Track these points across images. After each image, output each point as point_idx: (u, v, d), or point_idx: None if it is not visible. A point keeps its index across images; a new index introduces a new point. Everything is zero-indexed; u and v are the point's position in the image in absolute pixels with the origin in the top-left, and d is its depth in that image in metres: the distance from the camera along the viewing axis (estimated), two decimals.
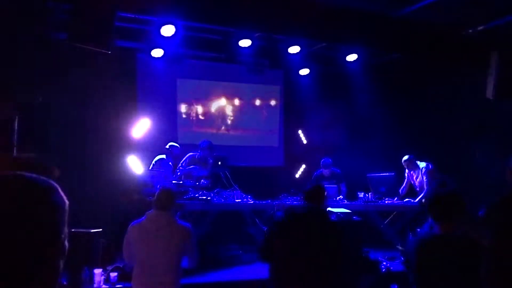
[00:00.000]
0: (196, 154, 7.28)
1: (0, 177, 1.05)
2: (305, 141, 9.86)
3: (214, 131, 9.14)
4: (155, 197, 4.01)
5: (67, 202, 1.09)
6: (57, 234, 1.04)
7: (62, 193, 1.08)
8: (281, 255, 3.78)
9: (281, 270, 3.79)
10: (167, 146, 7.34)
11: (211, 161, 7.25)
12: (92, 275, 5.20)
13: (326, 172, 8.00)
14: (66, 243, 1.07)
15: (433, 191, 3.01)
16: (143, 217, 3.96)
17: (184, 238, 3.90)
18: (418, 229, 6.43)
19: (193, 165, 7.22)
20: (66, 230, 1.07)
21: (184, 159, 7.33)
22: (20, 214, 1.00)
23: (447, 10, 6.32)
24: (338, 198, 7.46)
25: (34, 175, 1.05)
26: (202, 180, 7.15)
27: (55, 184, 1.08)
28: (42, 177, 1.06)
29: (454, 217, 2.89)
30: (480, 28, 6.84)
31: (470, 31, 6.94)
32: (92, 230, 5.56)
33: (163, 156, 7.25)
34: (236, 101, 9.38)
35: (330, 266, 3.70)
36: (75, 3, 5.50)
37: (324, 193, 4.05)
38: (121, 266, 5.52)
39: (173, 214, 4.06)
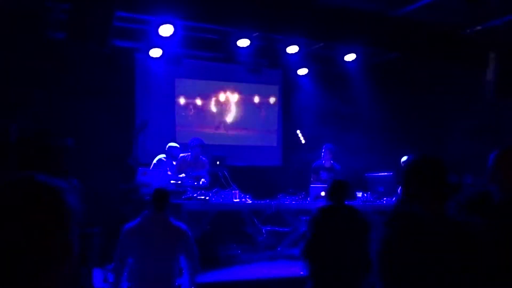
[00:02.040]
0: (187, 156, 7.25)
1: (10, 179, 1.05)
2: (303, 141, 9.86)
3: (213, 130, 9.14)
4: (151, 198, 4.01)
5: (77, 203, 1.09)
6: (63, 235, 1.05)
7: (72, 195, 1.09)
8: (325, 256, 3.82)
9: (324, 271, 3.82)
10: (167, 147, 7.33)
11: (204, 159, 7.23)
12: (91, 276, 5.19)
13: (327, 163, 7.88)
14: (74, 243, 1.08)
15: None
16: (137, 219, 3.96)
17: (180, 238, 3.90)
18: None
19: (184, 168, 7.18)
20: (74, 230, 1.07)
21: (176, 162, 7.32)
22: (27, 214, 1.01)
23: (446, 10, 6.34)
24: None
25: (44, 177, 1.06)
26: (202, 180, 7.15)
27: (65, 185, 1.08)
28: (52, 179, 1.07)
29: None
30: (479, 28, 6.85)
31: (469, 31, 6.96)
32: (90, 230, 5.54)
33: (163, 156, 7.25)
34: (235, 101, 9.38)
35: (363, 265, 3.73)
36: (73, 2, 5.50)
37: (349, 189, 4.10)
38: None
39: (168, 214, 4.05)
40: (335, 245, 3.82)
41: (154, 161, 7.21)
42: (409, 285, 2.20)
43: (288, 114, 9.75)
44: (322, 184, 7.13)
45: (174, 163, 7.20)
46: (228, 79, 9.22)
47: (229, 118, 9.33)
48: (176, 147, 7.35)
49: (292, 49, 7.64)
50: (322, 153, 7.87)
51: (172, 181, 6.72)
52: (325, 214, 4.04)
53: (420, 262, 2.19)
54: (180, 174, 7.08)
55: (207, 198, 6.48)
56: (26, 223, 1.00)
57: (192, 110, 9.03)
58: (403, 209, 2.41)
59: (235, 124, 9.37)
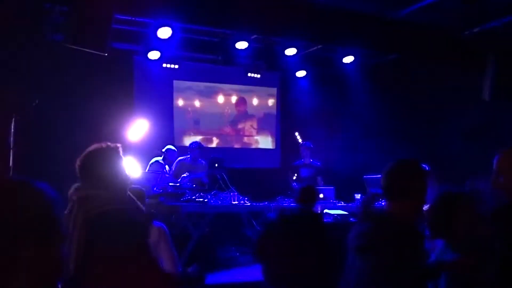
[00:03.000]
0: (186, 159, 7.27)
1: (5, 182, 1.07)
2: (301, 143, 9.86)
3: (211, 132, 9.14)
4: None
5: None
6: (56, 224, 1.06)
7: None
8: (273, 257, 3.82)
9: (272, 272, 3.83)
10: (164, 150, 7.33)
11: (202, 162, 7.26)
12: None
13: (306, 160, 8.02)
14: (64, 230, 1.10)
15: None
16: None
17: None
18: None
19: (183, 170, 7.19)
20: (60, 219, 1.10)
21: (174, 164, 7.33)
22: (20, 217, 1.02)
23: (444, 12, 6.35)
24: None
25: (38, 183, 1.08)
26: (201, 180, 7.17)
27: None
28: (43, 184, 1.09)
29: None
30: (477, 30, 6.87)
31: (467, 33, 6.97)
32: None
33: (159, 158, 7.25)
34: (233, 103, 9.38)
35: (319, 269, 3.73)
36: (72, 5, 5.50)
37: (316, 194, 4.10)
38: None
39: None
40: (287, 247, 3.83)
41: (150, 162, 7.21)
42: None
43: (286, 116, 9.76)
44: (298, 184, 7.19)
45: (167, 167, 7.21)
46: (226, 81, 9.23)
47: (228, 120, 9.34)
48: (173, 150, 7.36)
49: (291, 51, 7.65)
50: (301, 152, 8.08)
51: (170, 184, 6.72)
52: (282, 217, 4.06)
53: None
54: (179, 177, 7.09)
55: (205, 200, 6.47)
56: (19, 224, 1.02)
57: (191, 112, 9.03)
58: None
59: (234, 126, 9.37)
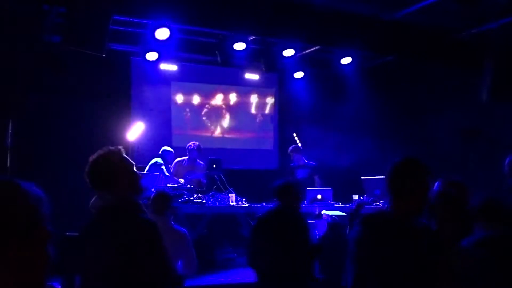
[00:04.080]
0: (183, 161, 7.27)
1: None
2: (300, 144, 9.86)
3: (209, 134, 9.15)
4: (151, 201, 3.99)
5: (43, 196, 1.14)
6: (41, 223, 1.07)
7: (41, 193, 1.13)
8: (260, 257, 3.87)
9: (269, 276, 3.86)
10: (161, 151, 7.34)
11: (201, 163, 7.27)
12: None
13: (300, 162, 8.07)
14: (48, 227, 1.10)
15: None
16: None
17: (180, 243, 3.88)
18: None
19: (181, 171, 7.20)
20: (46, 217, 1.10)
21: (172, 165, 7.33)
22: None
23: (440, 14, 6.37)
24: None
25: (23, 183, 1.09)
26: (199, 181, 7.18)
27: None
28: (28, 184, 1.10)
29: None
30: (474, 31, 6.89)
31: (464, 34, 6.99)
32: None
33: (158, 159, 7.25)
34: (231, 104, 9.39)
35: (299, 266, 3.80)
36: (69, 6, 5.50)
37: (293, 190, 4.08)
38: None
39: (168, 218, 4.03)
40: (278, 251, 3.84)
41: (150, 163, 7.21)
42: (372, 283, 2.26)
43: (284, 117, 9.76)
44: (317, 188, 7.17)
45: (164, 168, 7.21)
46: (224, 82, 9.23)
47: (226, 121, 9.35)
48: (170, 151, 7.37)
49: (288, 52, 7.65)
50: (292, 157, 8.13)
51: (168, 185, 6.72)
52: (267, 219, 4.05)
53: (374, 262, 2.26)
54: (177, 178, 7.10)
55: (203, 201, 6.48)
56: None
57: (189, 113, 9.04)
58: (372, 211, 2.55)
59: (232, 127, 9.38)
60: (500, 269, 2.33)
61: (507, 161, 2.64)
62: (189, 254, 3.96)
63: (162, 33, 6.55)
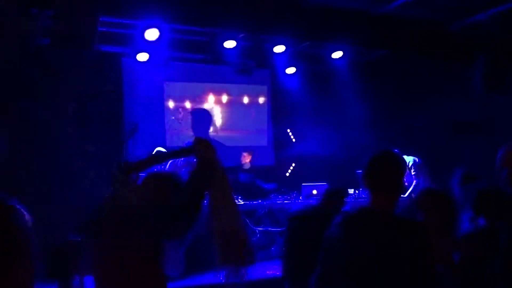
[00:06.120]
0: (178, 161, 7.24)
1: None
2: (294, 140, 9.87)
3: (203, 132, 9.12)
4: None
5: (28, 220, 1.12)
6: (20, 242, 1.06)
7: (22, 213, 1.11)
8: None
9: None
10: (154, 152, 7.29)
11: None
12: (83, 283, 5.17)
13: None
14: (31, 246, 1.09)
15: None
16: None
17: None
18: None
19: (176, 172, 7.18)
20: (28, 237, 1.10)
21: (167, 166, 7.29)
22: None
23: (431, 6, 6.35)
24: None
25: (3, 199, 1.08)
26: None
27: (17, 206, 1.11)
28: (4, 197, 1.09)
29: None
30: (465, 23, 6.88)
31: (455, 26, 6.98)
32: (77, 237, 5.51)
33: (162, 148, 7.21)
34: (224, 102, 9.37)
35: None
36: (57, 8, 5.46)
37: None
38: None
39: None
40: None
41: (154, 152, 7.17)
42: (350, 282, 2.20)
43: (278, 114, 9.76)
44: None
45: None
46: (216, 81, 9.20)
47: (219, 119, 9.32)
48: (163, 152, 7.33)
49: (279, 48, 7.62)
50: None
51: None
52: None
53: (355, 258, 2.19)
54: None
55: None
56: None
57: (182, 113, 9.01)
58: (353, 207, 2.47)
59: (225, 126, 9.36)
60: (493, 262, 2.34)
61: (498, 154, 2.65)
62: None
63: (152, 34, 6.51)
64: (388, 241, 2.16)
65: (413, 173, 7.34)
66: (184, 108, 9.02)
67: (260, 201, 7.09)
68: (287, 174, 9.63)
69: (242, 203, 6.93)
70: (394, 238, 2.16)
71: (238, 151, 9.14)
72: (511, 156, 2.61)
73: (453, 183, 3.61)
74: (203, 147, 2.25)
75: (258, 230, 7.21)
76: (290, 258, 3.79)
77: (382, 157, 2.38)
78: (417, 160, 7.42)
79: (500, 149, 2.66)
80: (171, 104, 8.92)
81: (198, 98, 9.14)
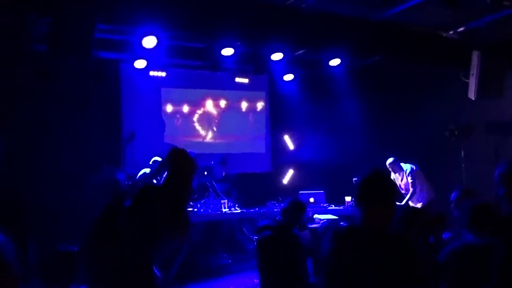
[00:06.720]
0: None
1: None
2: (292, 146, 9.86)
3: (201, 139, 9.11)
4: None
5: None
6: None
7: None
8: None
9: None
10: (151, 162, 7.28)
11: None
12: None
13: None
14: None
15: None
16: None
17: None
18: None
19: None
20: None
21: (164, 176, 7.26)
22: None
23: (428, 13, 6.36)
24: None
25: None
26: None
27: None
28: None
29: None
30: (461, 29, 6.90)
31: (451, 32, 7.00)
32: (72, 247, 5.52)
33: (147, 170, 7.19)
34: (222, 108, 9.36)
35: None
36: (54, 15, 5.45)
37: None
38: None
39: None
40: None
41: (139, 174, 7.15)
42: None
43: (275, 120, 9.75)
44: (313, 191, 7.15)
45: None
46: (214, 87, 9.20)
47: (217, 125, 9.31)
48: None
49: (277, 56, 7.61)
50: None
51: None
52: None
53: (348, 274, 2.23)
54: None
55: (195, 209, 6.45)
56: None
57: (179, 119, 9.00)
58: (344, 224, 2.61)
59: (223, 132, 9.34)
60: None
61: (497, 171, 2.65)
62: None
63: (149, 41, 6.49)
64: (379, 258, 2.19)
65: (410, 181, 7.32)
66: (181, 114, 9.01)
67: (257, 209, 7.07)
68: (285, 182, 9.60)
69: (239, 211, 6.91)
70: (386, 256, 2.19)
71: (236, 157, 9.12)
72: (509, 174, 2.61)
73: (452, 199, 3.66)
74: (177, 158, 2.22)
75: (255, 238, 7.19)
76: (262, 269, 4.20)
77: (371, 176, 2.44)
78: (414, 168, 7.41)
79: (499, 165, 2.67)
80: (168, 110, 8.91)
81: (196, 104, 9.13)
